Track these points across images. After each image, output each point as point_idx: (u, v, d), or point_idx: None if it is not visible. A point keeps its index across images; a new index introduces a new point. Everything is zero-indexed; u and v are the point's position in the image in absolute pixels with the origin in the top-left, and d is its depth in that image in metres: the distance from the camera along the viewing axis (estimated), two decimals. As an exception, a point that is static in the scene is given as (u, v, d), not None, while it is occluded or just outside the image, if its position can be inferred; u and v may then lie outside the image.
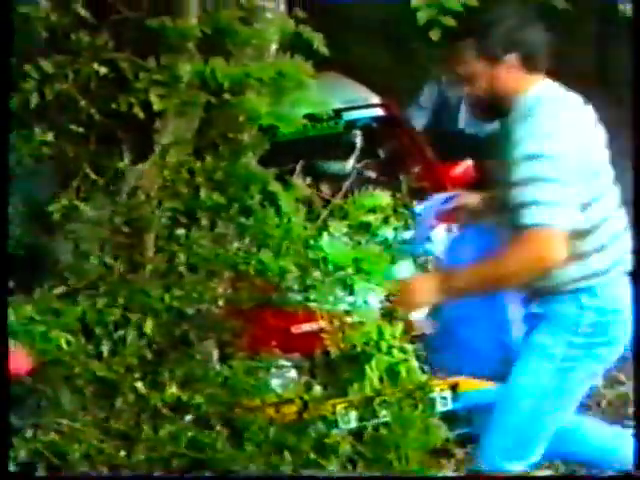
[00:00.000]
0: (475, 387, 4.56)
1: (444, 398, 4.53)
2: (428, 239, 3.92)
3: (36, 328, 3.32)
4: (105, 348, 3.45)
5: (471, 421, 4.65)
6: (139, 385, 3.45)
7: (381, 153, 6.15)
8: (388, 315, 3.59)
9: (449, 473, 4.58)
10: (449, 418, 4.13)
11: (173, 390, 3.48)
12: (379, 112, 6.23)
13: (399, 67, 8.11)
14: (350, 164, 5.82)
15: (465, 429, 4.61)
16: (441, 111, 7.00)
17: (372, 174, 5.72)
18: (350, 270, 3.59)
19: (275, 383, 3.89)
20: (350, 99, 6.12)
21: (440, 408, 4.23)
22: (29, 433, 3.30)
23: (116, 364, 3.44)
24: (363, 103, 6.19)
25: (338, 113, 5.77)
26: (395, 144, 6.25)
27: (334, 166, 5.74)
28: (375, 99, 6.31)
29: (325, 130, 5.59)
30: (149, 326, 3.45)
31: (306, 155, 5.17)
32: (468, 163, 6.06)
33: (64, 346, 3.31)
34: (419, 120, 6.91)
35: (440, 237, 4.19)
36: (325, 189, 4.89)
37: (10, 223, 3.41)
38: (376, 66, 8.26)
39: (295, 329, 4.36)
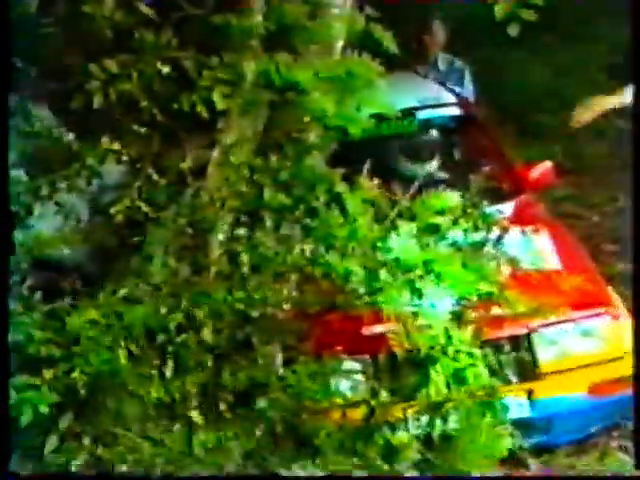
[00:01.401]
0: (552, 394, 4.44)
1: (520, 405, 4.40)
2: (500, 240, 3.80)
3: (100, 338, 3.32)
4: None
5: (549, 429, 4.51)
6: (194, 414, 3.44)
7: (456, 153, 6.01)
8: (457, 319, 3.48)
9: None
10: (524, 426, 4.01)
11: None
12: (455, 111, 6.09)
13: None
14: (432, 165, 5.68)
15: (542, 437, 4.48)
16: None
17: (445, 175, 5.58)
18: (419, 272, 3.49)
19: (343, 386, 3.82)
20: (425, 98, 5.99)
21: (516, 415, 4.08)
22: (87, 440, 3.30)
23: (174, 388, 3.43)
24: (438, 102, 6.05)
25: (411, 112, 5.65)
26: (472, 144, 6.11)
27: (413, 167, 5.61)
28: (451, 98, 6.18)
29: (398, 129, 5.48)
30: (208, 332, 3.41)
31: (376, 155, 5.07)
32: (547, 165, 5.87)
33: (122, 361, 3.31)
34: None
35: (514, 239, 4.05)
36: (397, 190, 4.78)
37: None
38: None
39: (365, 331, 4.26)
